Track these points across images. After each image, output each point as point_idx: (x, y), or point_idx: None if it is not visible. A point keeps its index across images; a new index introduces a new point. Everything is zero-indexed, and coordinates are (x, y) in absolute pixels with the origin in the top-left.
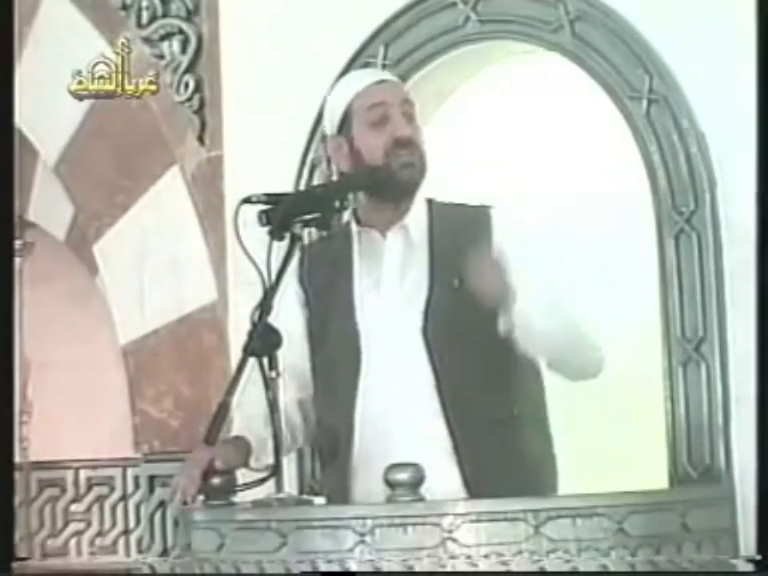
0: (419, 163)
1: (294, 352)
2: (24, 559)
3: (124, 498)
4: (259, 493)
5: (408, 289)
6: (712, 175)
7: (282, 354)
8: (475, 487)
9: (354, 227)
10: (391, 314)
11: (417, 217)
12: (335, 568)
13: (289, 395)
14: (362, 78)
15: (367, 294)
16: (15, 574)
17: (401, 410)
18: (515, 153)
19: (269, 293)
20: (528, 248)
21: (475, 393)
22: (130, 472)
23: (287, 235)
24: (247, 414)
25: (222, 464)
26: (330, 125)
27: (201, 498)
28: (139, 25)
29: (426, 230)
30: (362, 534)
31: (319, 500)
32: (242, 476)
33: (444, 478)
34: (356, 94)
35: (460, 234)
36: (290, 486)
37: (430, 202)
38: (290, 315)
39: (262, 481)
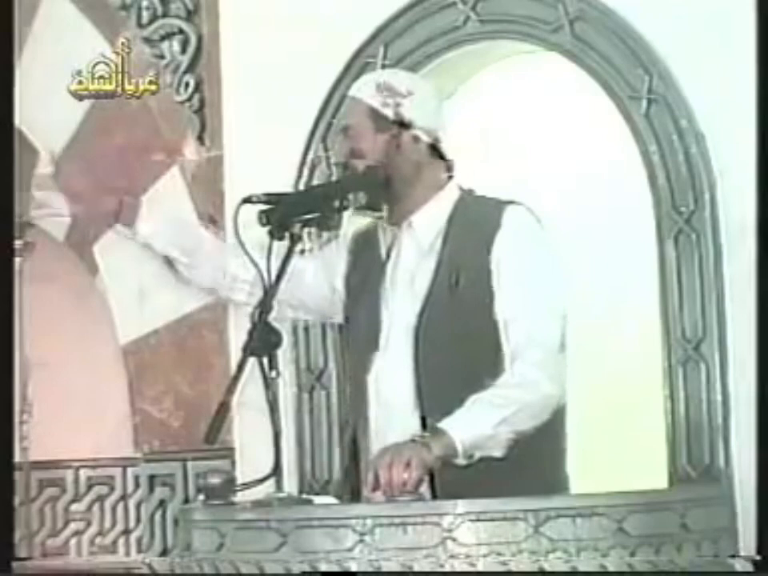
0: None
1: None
2: (24, 559)
3: (124, 497)
4: (259, 492)
5: (416, 286)
6: (712, 175)
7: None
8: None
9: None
10: (398, 309)
11: (430, 213)
12: (335, 568)
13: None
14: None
15: (389, 288)
16: (15, 574)
17: (388, 410)
18: (515, 153)
19: (269, 293)
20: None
21: (456, 400)
22: (130, 472)
23: (287, 235)
24: None
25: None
26: None
27: (201, 497)
28: (139, 25)
29: (443, 228)
30: (362, 534)
31: (319, 499)
32: (242, 476)
33: None
34: None
35: (469, 234)
36: (290, 486)
37: (461, 195)
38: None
39: (262, 480)
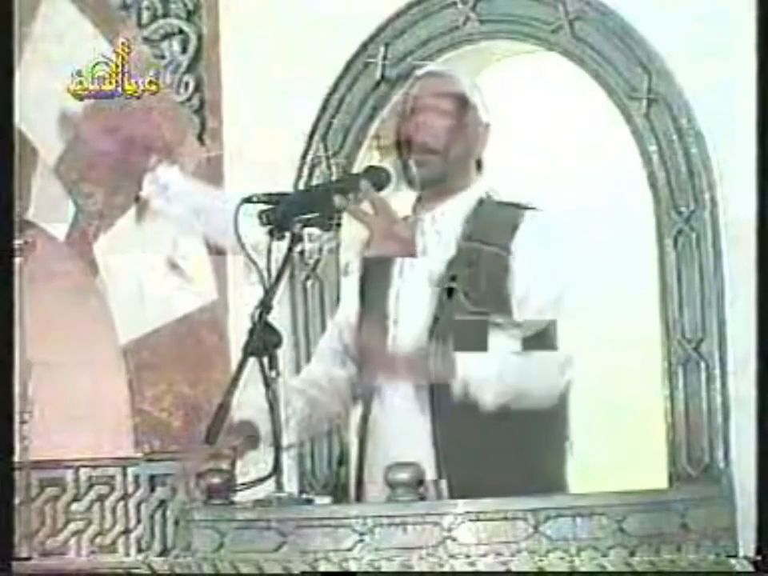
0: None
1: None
2: (24, 559)
3: (124, 497)
4: (259, 492)
5: (435, 275)
6: (711, 175)
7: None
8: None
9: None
10: (412, 304)
11: (457, 205)
12: (335, 568)
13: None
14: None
15: (402, 283)
16: (15, 574)
17: (399, 410)
18: (514, 153)
19: (269, 293)
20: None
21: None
22: (131, 471)
23: (287, 235)
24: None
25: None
26: None
27: (201, 497)
28: (140, 25)
29: (460, 229)
30: (362, 534)
31: (319, 499)
32: (242, 475)
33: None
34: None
35: (490, 230)
36: (290, 486)
37: (485, 193)
38: (349, 289)
39: (262, 480)
